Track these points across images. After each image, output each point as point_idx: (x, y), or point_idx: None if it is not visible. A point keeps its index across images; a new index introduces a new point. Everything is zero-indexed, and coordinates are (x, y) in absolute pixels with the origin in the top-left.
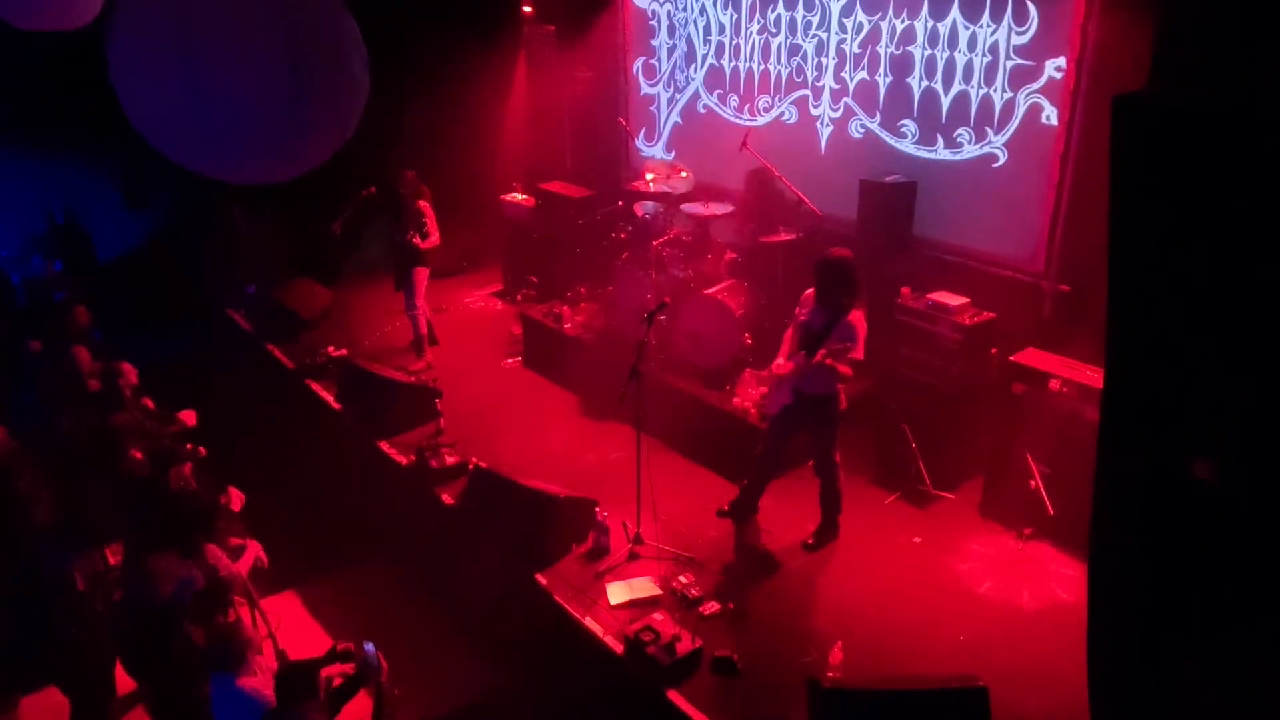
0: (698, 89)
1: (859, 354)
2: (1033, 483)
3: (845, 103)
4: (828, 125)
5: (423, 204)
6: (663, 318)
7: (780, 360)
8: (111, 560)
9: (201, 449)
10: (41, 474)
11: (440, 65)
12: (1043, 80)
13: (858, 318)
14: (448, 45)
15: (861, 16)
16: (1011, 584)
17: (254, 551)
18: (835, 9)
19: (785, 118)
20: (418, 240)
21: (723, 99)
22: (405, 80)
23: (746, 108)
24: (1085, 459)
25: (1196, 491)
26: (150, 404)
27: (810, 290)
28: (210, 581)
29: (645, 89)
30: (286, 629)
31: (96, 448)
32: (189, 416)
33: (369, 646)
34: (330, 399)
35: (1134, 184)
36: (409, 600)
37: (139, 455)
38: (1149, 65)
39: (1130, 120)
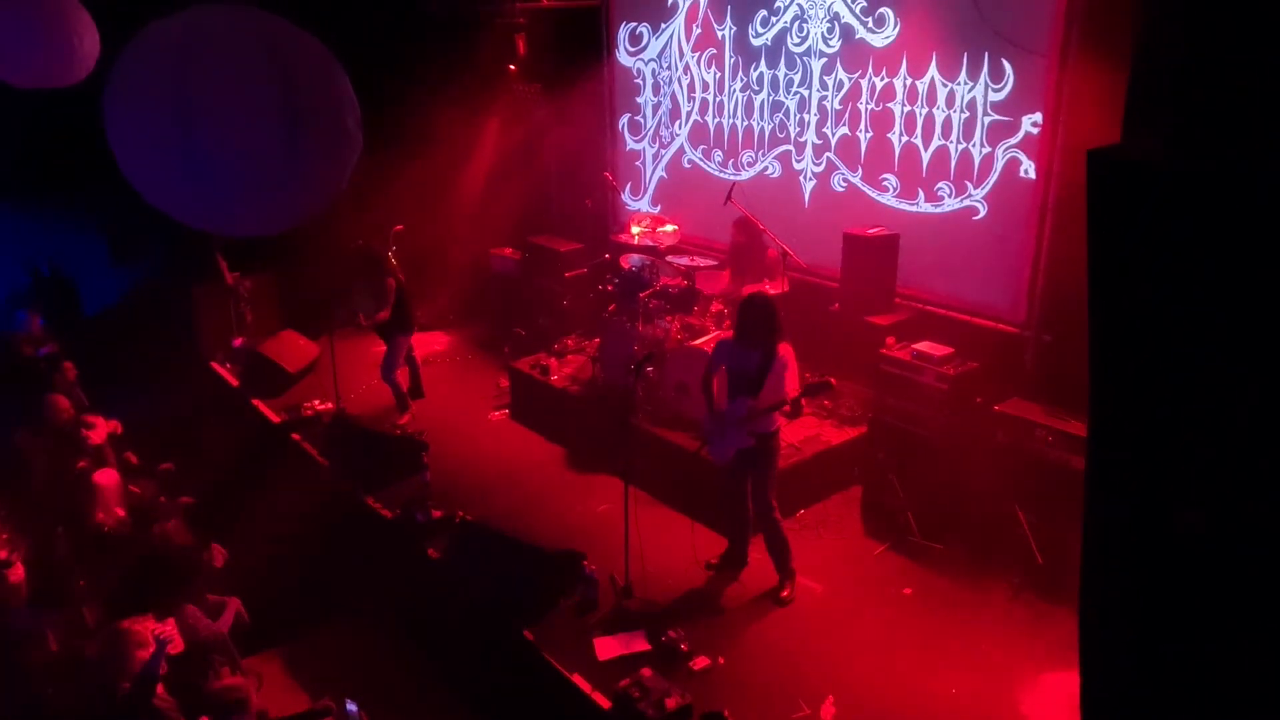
0: (682, 144)
1: (797, 384)
2: (1021, 532)
3: (827, 157)
4: (810, 179)
5: (389, 280)
6: (650, 369)
7: (720, 407)
8: (89, 620)
9: (188, 499)
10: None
11: (427, 122)
12: (1020, 135)
13: (787, 351)
14: (434, 102)
15: (842, 74)
16: (1003, 635)
17: (234, 609)
18: (816, 67)
19: (769, 172)
20: (362, 318)
21: (707, 154)
22: (393, 136)
23: (731, 162)
24: (1072, 508)
25: (1185, 539)
26: (134, 459)
27: (721, 338)
28: (188, 645)
29: (631, 144)
30: (268, 688)
31: (75, 504)
32: (167, 468)
33: (351, 706)
34: (315, 453)
35: (1111, 236)
36: (393, 656)
37: (121, 512)
38: (1124, 119)
39: (1105, 173)
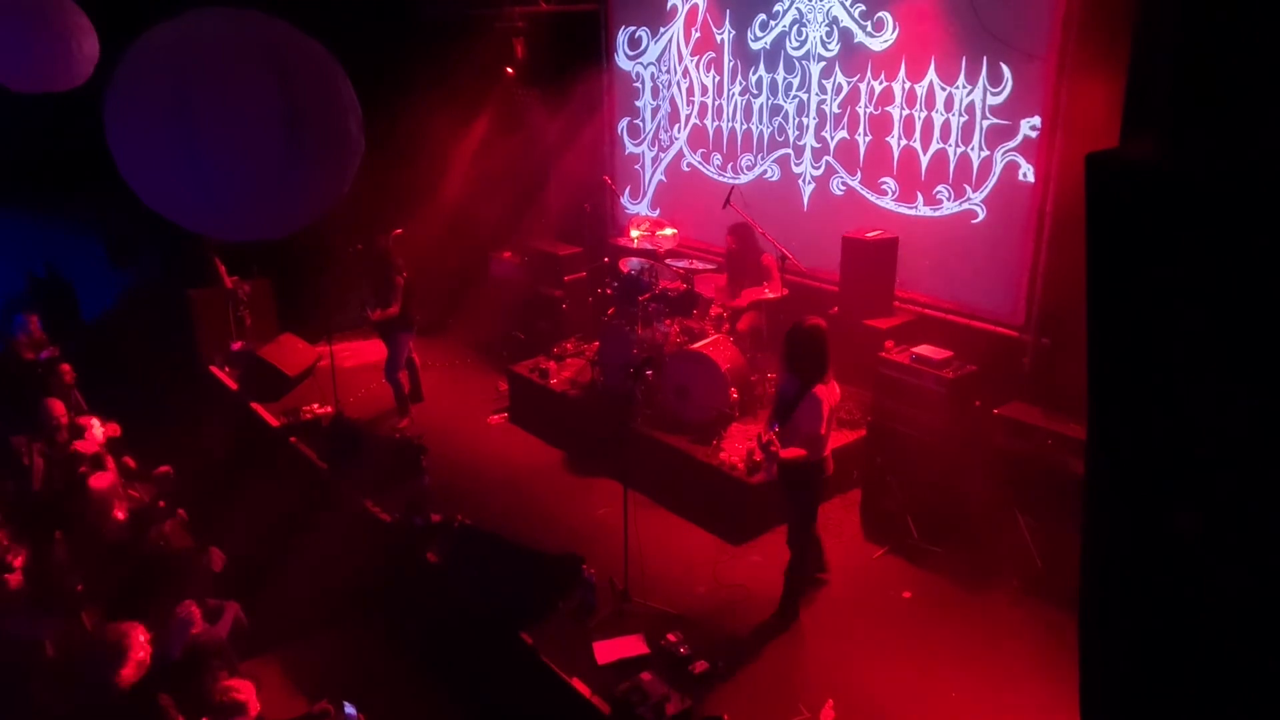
0: (681, 148)
1: (821, 428)
2: (1020, 536)
3: (826, 161)
4: (810, 183)
5: (397, 278)
6: (649, 373)
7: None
8: (87, 625)
9: (181, 510)
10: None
11: (426, 126)
12: (1018, 139)
13: (824, 392)
14: (433, 106)
15: (840, 78)
16: (1002, 638)
17: (233, 612)
18: (815, 71)
19: (768, 176)
20: (370, 313)
21: (706, 158)
22: (392, 140)
23: (730, 166)
24: (1071, 511)
25: (1185, 543)
26: (132, 463)
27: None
28: (186, 649)
29: (630, 148)
30: (266, 692)
31: (74, 508)
32: (165, 471)
33: (349, 708)
34: (314, 457)
35: (1110, 239)
36: (392, 660)
37: (121, 516)
38: (1121, 122)
39: (1104, 177)
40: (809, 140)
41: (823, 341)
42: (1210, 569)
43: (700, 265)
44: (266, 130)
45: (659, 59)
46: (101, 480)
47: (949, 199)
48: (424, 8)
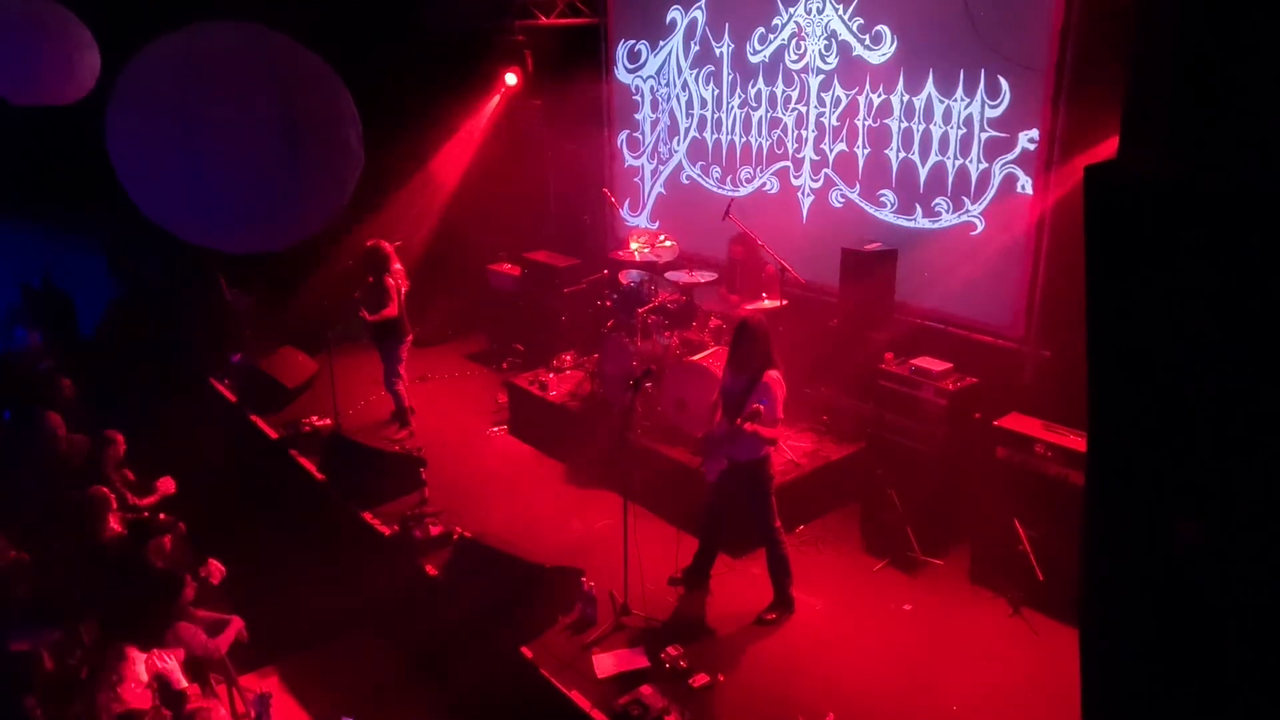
0: (681, 160)
1: (779, 413)
2: (1021, 548)
3: (825, 173)
4: (809, 195)
5: (387, 279)
6: (648, 385)
7: (713, 427)
8: (85, 638)
9: (181, 524)
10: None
11: (427, 138)
12: (1016, 151)
13: (774, 379)
14: (434, 118)
15: (839, 91)
16: (1003, 651)
17: (235, 626)
18: (814, 84)
19: (767, 188)
20: (365, 314)
21: (705, 170)
22: (392, 152)
23: (729, 179)
24: (1072, 523)
25: (1185, 552)
26: (131, 475)
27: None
28: (185, 660)
29: (629, 160)
30: None
31: (73, 520)
32: (167, 484)
33: None
34: (313, 469)
35: (1109, 251)
36: (392, 674)
37: (118, 528)
38: (1120, 134)
39: (1102, 189)
40: (808, 153)
41: (763, 334)
42: (1210, 576)
43: (699, 277)
44: (267, 143)
45: (658, 72)
46: (99, 491)
47: (948, 211)
48: (425, 21)
